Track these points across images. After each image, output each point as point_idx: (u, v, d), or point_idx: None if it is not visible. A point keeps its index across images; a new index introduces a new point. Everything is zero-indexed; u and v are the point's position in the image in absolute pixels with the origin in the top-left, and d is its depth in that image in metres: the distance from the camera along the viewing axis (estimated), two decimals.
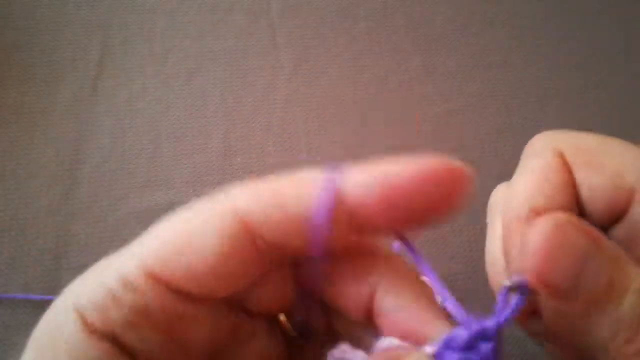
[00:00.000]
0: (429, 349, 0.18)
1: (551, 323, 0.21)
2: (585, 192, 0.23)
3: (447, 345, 0.18)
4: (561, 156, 0.24)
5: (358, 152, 0.50)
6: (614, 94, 0.54)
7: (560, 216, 0.19)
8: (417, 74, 0.54)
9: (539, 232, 0.18)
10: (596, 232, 0.19)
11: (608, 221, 0.23)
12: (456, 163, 0.18)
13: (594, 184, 0.23)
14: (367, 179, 0.19)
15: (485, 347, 0.17)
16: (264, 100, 0.52)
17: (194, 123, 0.51)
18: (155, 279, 0.20)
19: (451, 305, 0.18)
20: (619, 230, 0.23)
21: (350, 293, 0.21)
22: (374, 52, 0.54)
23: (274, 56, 0.54)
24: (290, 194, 0.19)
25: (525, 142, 0.28)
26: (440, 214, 0.18)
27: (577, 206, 0.23)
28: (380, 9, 0.56)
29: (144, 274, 0.20)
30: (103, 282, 0.20)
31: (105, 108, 0.51)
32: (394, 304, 0.20)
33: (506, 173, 0.28)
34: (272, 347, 0.24)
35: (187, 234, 0.20)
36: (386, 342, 0.20)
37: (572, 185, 0.23)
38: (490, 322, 0.18)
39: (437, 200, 0.18)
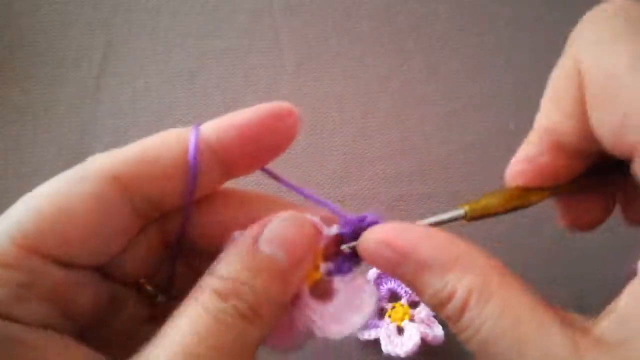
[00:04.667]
0: (333, 230, 0.26)
1: None
2: (594, 122, 0.23)
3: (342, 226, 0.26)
4: (578, 70, 0.24)
5: (360, 151, 0.50)
6: None
7: (375, 237, 0.24)
8: (420, 74, 0.54)
9: (362, 245, 0.25)
10: (407, 242, 0.23)
11: (624, 155, 0.23)
12: (285, 105, 0.27)
13: (603, 118, 0.23)
14: (222, 124, 0.25)
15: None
16: (266, 99, 0.51)
17: (196, 122, 0.51)
18: (32, 251, 0.21)
19: (333, 208, 0.26)
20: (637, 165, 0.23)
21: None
22: (377, 52, 0.54)
23: (276, 55, 0.54)
24: (159, 147, 0.24)
25: None
26: (281, 143, 0.26)
27: (586, 134, 0.24)
28: (383, 9, 0.56)
29: (20, 248, 0.21)
30: None
31: (108, 107, 0.51)
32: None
33: None
34: (140, 311, 0.27)
35: (58, 200, 0.22)
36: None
37: (581, 111, 0.24)
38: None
39: (277, 132, 0.26)
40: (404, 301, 0.43)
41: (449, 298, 0.22)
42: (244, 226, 0.25)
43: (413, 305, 0.43)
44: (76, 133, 0.50)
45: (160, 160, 0.24)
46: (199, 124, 0.26)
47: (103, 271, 0.25)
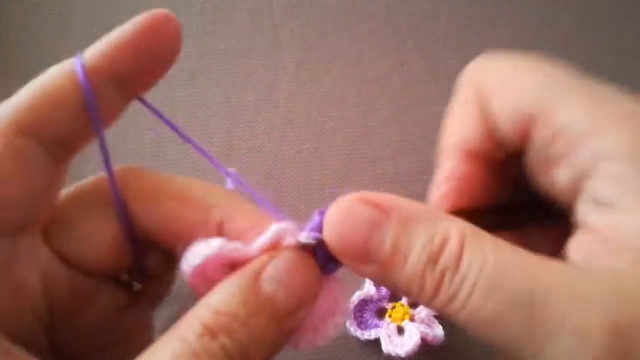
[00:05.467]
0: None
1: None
2: (496, 118, 0.24)
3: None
4: (477, 85, 0.26)
5: (360, 151, 0.50)
6: None
7: (349, 197, 0.21)
8: (420, 73, 0.54)
9: (329, 214, 0.21)
10: (386, 200, 0.21)
11: (522, 143, 0.24)
12: (159, 12, 0.26)
13: (501, 109, 0.24)
14: (103, 44, 0.25)
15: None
16: (266, 100, 0.52)
17: (196, 122, 0.51)
18: None
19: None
20: (531, 153, 0.24)
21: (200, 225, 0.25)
22: (377, 52, 0.54)
23: (276, 56, 0.54)
24: (49, 83, 0.24)
25: None
26: (168, 49, 0.26)
27: (491, 133, 0.25)
28: (383, 9, 0.56)
29: None
30: None
31: None
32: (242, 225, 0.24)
33: None
34: (115, 302, 0.27)
35: None
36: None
37: (482, 115, 0.25)
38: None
39: (160, 38, 0.25)
40: (404, 301, 0.43)
41: (443, 244, 0.20)
42: (199, 225, 0.25)
43: (413, 305, 0.43)
44: None
45: (54, 96, 0.24)
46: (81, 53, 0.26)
47: (73, 266, 0.25)
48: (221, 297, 0.21)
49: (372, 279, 0.22)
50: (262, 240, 0.23)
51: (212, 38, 0.54)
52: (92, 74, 0.24)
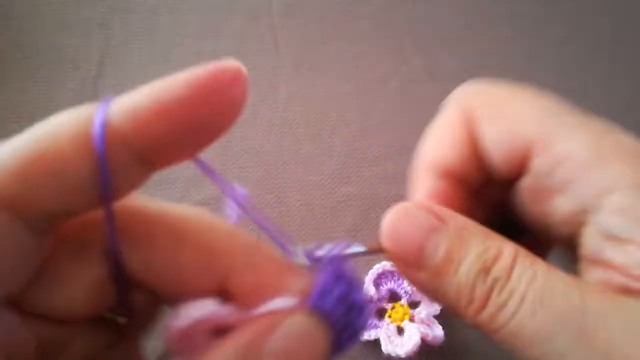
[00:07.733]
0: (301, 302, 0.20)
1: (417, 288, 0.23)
2: (487, 144, 0.24)
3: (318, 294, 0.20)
4: (467, 109, 0.25)
5: (360, 151, 0.50)
6: (615, 94, 0.54)
7: (409, 203, 0.22)
8: (419, 74, 0.54)
9: (388, 216, 0.21)
10: (443, 211, 0.21)
11: (515, 171, 0.24)
12: (229, 67, 0.18)
13: (494, 135, 0.24)
14: (134, 99, 0.18)
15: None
16: (265, 101, 0.52)
17: None
18: None
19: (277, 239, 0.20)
20: (527, 181, 0.23)
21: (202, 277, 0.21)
22: (375, 52, 0.54)
23: (274, 56, 0.54)
24: (48, 145, 0.18)
25: None
26: (224, 120, 0.19)
27: (476, 158, 0.25)
28: (382, 9, 0.56)
29: None
30: None
31: None
32: (252, 280, 0.21)
33: None
34: (96, 341, 0.22)
35: None
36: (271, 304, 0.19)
37: (470, 139, 0.25)
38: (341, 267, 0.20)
39: (218, 107, 0.18)
40: (404, 301, 0.43)
41: (496, 257, 0.20)
42: (198, 275, 0.20)
43: (413, 305, 0.43)
44: None
45: (51, 164, 0.18)
46: (109, 100, 0.19)
47: (44, 318, 0.20)
48: None
49: (423, 288, 0.22)
50: (265, 311, 0.19)
51: (211, 38, 0.54)
52: (113, 140, 0.17)
